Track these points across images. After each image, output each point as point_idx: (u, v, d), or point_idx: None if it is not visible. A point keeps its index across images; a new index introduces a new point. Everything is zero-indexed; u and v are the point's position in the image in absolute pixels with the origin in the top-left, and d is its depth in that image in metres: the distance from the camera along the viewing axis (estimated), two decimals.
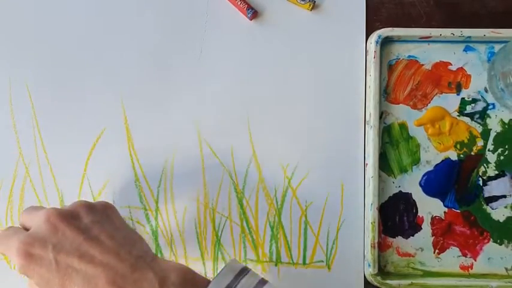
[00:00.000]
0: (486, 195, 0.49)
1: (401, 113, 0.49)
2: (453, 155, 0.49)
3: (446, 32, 0.48)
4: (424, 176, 0.49)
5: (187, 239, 0.49)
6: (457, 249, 0.49)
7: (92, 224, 0.39)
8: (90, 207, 0.41)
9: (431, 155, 0.49)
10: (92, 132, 0.50)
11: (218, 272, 0.40)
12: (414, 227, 0.49)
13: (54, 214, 0.39)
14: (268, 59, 0.50)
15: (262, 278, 0.40)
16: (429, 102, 0.49)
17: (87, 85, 0.50)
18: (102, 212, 0.41)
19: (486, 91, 0.49)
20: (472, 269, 0.49)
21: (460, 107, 0.49)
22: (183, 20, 0.50)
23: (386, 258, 0.49)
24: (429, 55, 0.50)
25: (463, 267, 0.49)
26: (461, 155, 0.49)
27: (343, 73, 0.50)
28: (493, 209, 0.49)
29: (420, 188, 0.49)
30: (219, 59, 0.50)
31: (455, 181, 0.49)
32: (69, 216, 0.39)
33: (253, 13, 0.49)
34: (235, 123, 0.50)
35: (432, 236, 0.49)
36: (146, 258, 0.39)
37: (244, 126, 0.50)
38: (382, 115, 0.49)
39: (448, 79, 0.49)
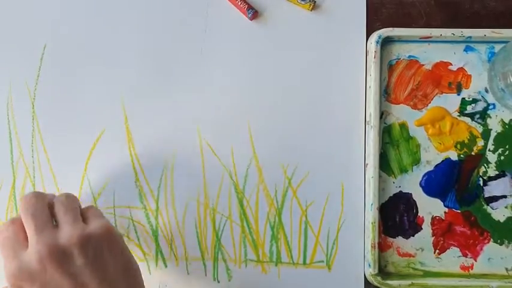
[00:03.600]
0: (486, 195, 0.49)
1: (401, 113, 0.49)
2: (453, 155, 0.49)
3: (447, 32, 0.48)
4: (424, 176, 0.49)
5: (187, 239, 0.49)
6: (458, 249, 0.49)
7: (83, 268, 0.39)
8: (84, 242, 0.40)
9: (432, 155, 0.49)
10: (92, 132, 0.50)
11: None
12: (414, 227, 0.49)
13: (46, 254, 0.39)
14: (269, 59, 0.50)
15: None
16: (429, 103, 0.49)
17: (87, 85, 0.50)
18: (98, 246, 0.40)
19: (486, 91, 0.49)
20: (472, 269, 0.49)
21: (460, 107, 0.49)
22: (183, 20, 0.50)
23: (387, 259, 0.49)
24: (429, 55, 0.49)
25: (463, 268, 0.49)
26: (462, 155, 0.49)
27: (344, 73, 0.50)
28: (493, 209, 0.49)
29: (420, 188, 0.49)
30: (220, 59, 0.50)
31: (456, 181, 0.49)
32: (61, 257, 0.39)
33: (254, 13, 0.49)
34: (235, 123, 0.50)
35: (432, 236, 0.49)
36: None
37: (245, 126, 0.50)
38: (382, 115, 0.49)
39: (449, 79, 0.49)
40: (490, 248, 0.49)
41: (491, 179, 0.49)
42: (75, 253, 0.39)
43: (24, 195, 0.42)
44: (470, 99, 0.49)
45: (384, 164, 0.49)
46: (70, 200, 0.43)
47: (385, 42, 0.49)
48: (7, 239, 0.41)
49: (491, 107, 0.49)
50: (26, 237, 0.40)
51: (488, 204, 0.49)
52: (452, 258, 0.49)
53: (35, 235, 0.40)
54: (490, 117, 0.49)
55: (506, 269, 0.49)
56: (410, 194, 0.49)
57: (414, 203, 0.49)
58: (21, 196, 0.50)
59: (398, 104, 0.49)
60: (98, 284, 0.39)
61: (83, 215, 0.43)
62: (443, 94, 0.49)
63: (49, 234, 0.40)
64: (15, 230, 0.41)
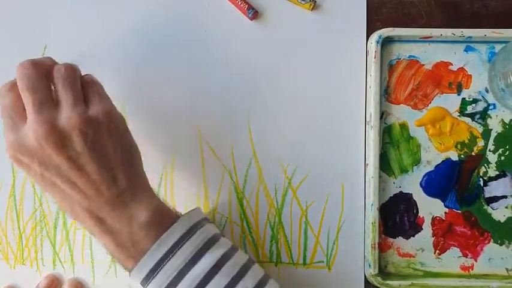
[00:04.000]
0: (487, 195, 0.49)
1: (402, 113, 0.49)
2: (454, 155, 0.49)
3: (447, 32, 0.48)
4: (424, 176, 0.49)
5: None
6: (458, 249, 0.49)
7: (81, 153, 0.39)
8: (83, 127, 0.39)
9: (432, 155, 0.49)
10: None
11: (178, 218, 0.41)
12: (415, 228, 0.49)
13: (43, 135, 0.38)
14: (269, 59, 0.50)
15: (215, 234, 0.42)
16: (430, 103, 0.49)
17: None
18: (98, 131, 0.39)
19: (487, 91, 0.49)
20: (472, 269, 0.49)
21: (460, 107, 0.49)
22: (184, 20, 0.50)
23: (387, 259, 0.49)
24: (430, 55, 0.49)
25: (463, 268, 0.49)
26: (462, 155, 0.49)
27: (344, 73, 0.50)
28: (493, 209, 0.49)
29: (421, 189, 0.49)
30: (220, 59, 0.50)
31: (456, 181, 0.49)
32: (59, 140, 0.38)
33: (254, 13, 0.49)
34: (235, 123, 0.50)
35: (433, 236, 0.49)
36: (125, 195, 0.40)
37: (245, 126, 0.50)
38: (382, 115, 0.49)
39: (449, 79, 0.49)
40: (491, 248, 0.49)
41: (491, 179, 0.49)
42: (74, 137, 0.39)
43: (20, 63, 0.40)
44: (471, 99, 0.49)
45: (384, 164, 0.49)
46: (70, 71, 0.41)
47: (386, 42, 0.49)
48: (5, 108, 0.40)
49: (491, 107, 0.49)
50: (24, 108, 0.39)
51: (488, 205, 0.49)
52: (453, 259, 0.49)
53: (33, 112, 0.38)
54: (491, 117, 0.49)
55: (507, 269, 0.49)
56: (411, 194, 0.49)
57: (414, 203, 0.49)
58: (21, 196, 0.50)
59: (399, 104, 0.49)
60: (96, 169, 0.39)
61: (85, 91, 0.41)
62: (444, 94, 0.49)
63: (47, 113, 0.39)
64: (13, 98, 0.40)
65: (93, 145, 0.39)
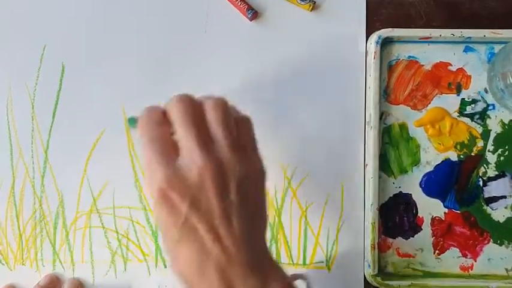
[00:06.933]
0: (486, 195, 0.49)
1: (401, 113, 0.49)
2: (453, 156, 0.49)
3: (446, 33, 0.48)
4: (424, 176, 0.49)
5: None
6: (457, 250, 0.49)
7: (234, 204, 0.36)
8: (243, 178, 0.36)
9: (432, 156, 0.49)
10: (92, 133, 0.50)
11: None
12: (414, 228, 0.49)
13: (209, 173, 0.35)
14: (269, 59, 0.50)
15: None
16: (429, 103, 0.49)
17: (87, 85, 0.50)
18: (251, 187, 0.37)
19: (486, 92, 0.49)
20: (472, 269, 0.49)
21: (460, 108, 0.49)
22: (183, 21, 0.50)
23: (387, 259, 0.49)
24: (429, 56, 0.50)
25: (463, 268, 0.49)
26: (462, 156, 0.49)
27: (343, 73, 0.50)
28: (493, 209, 0.49)
29: (420, 189, 0.49)
30: (220, 60, 0.50)
31: (455, 182, 0.49)
32: (222, 184, 0.36)
33: (254, 14, 0.49)
34: None
35: (432, 236, 0.49)
36: (264, 261, 0.37)
37: None
38: (382, 116, 0.49)
39: (448, 80, 0.49)
40: (490, 248, 0.49)
41: (490, 179, 0.49)
42: (233, 185, 0.36)
43: (175, 97, 0.38)
44: (470, 99, 0.49)
45: (384, 165, 0.49)
46: (224, 112, 0.38)
47: (385, 43, 0.49)
48: (156, 142, 0.37)
49: (490, 107, 0.49)
50: (174, 143, 0.37)
51: (488, 205, 0.49)
52: (452, 259, 0.49)
53: (198, 148, 0.35)
54: (490, 117, 0.49)
55: (506, 270, 0.49)
56: (410, 194, 0.49)
57: (414, 204, 0.49)
58: (20, 196, 0.50)
59: (398, 104, 0.49)
60: (242, 226, 0.36)
61: (240, 137, 0.38)
62: (443, 94, 0.49)
63: (213, 153, 0.36)
64: (163, 132, 0.37)
65: (243, 198, 0.36)
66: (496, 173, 0.49)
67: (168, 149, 0.36)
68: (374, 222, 0.47)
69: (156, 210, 0.36)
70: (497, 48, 0.49)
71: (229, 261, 0.35)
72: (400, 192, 0.49)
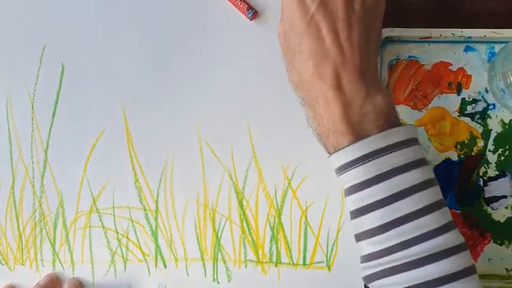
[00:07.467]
0: (487, 195, 0.49)
1: (401, 113, 0.49)
2: (453, 156, 0.49)
3: (447, 32, 0.48)
4: None
5: (187, 239, 0.49)
6: None
7: (357, 12, 0.40)
8: None
9: (432, 156, 0.49)
10: (91, 133, 0.50)
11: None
12: None
13: None
14: (269, 59, 0.50)
15: (425, 158, 0.40)
16: (429, 103, 0.49)
17: (87, 85, 0.50)
18: (373, 3, 0.41)
19: (486, 91, 0.49)
20: None
21: (460, 107, 0.49)
22: (183, 21, 0.50)
23: None
24: (429, 55, 0.49)
25: None
26: (462, 156, 0.49)
27: None
28: (493, 209, 0.49)
29: None
30: (219, 60, 0.50)
31: (456, 181, 0.49)
32: None
33: (254, 13, 0.49)
34: (235, 124, 0.50)
35: None
36: (371, 71, 0.40)
37: (244, 127, 0.50)
38: None
39: (449, 79, 0.49)
40: (490, 248, 0.49)
41: (491, 179, 0.49)
42: None
43: None
44: (470, 99, 0.49)
45: None
46: None
47: (385, 43, 0.49)
48: None
49: (491, 107, 0.49)
50: None
51: (488, 205, 0.49)
52: None
53: None
54: (490, 117, 0.49)
55: (507, 270, 0.49)
56: None
57: None
58: (20, 196, 0.50)
59: (399, 104, 0.49)
60: (360, 33, 0.40)
61: None
62: (443, 94, 0.49)
63: None
64: None
65: (366, 11, 0.40)
66: (497, 172, 0.49)
67: None
68: None
69: (286, 2, 0.41)
70: (497, 47, 0.49)
71: (343, 62, 0.39)
72: None
